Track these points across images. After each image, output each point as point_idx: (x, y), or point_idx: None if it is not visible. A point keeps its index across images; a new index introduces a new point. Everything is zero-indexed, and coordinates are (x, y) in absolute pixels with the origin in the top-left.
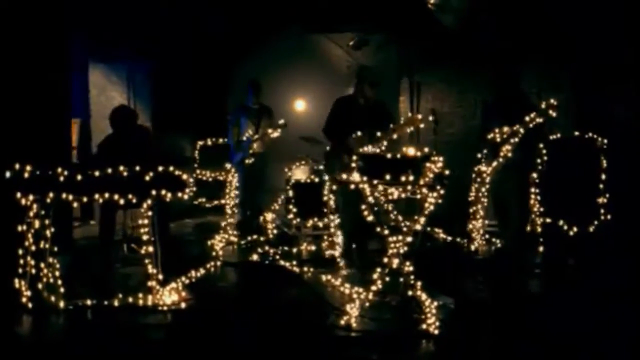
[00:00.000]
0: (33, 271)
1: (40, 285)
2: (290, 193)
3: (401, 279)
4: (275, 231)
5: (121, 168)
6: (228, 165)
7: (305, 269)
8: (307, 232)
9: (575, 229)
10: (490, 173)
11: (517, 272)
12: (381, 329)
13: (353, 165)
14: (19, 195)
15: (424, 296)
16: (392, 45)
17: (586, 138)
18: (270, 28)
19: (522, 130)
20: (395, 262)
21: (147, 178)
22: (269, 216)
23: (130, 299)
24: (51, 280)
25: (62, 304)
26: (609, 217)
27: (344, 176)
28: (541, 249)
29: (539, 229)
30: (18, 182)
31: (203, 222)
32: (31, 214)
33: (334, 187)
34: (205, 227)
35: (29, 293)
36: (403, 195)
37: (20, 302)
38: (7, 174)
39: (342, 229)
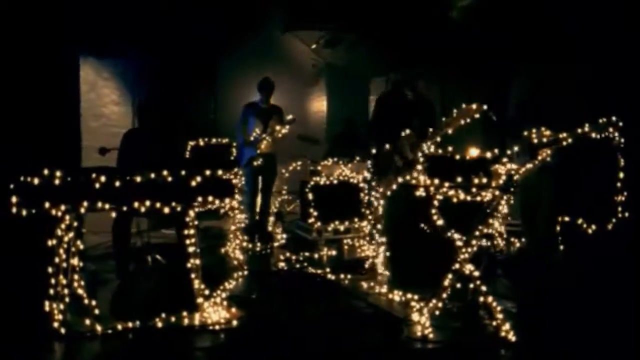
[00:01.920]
0: (65, 291)
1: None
2: (310, 196)
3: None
4: (284, 235)
5: (165, 172)
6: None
7: (342, 276)
8: (327, 236)
9: (593, 227)
10: (523, 174)
11: (545, 273)
12: (459, 339)
13: (419, 167)
14: (47, 205)
15: (494, 302)
16: (364, 45)
17: (603, 137)
18: (241, 26)
19: (569, 140)
20: (468, 267)
21: (194, 183)
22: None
23: (174, 319)
24: (85, 300)
25: (98, 328)
26: (627, 214)
27: (413, 179)
28: (561, 247)
29: (558, 228)
30: (47, 190)
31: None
32: (63, 226)
33: (387, 192)
34: (207, 233)
35: (61, 317)
36: (468, 198)
37: (51, 327)
38: (36, 181)
39: (386, 234)
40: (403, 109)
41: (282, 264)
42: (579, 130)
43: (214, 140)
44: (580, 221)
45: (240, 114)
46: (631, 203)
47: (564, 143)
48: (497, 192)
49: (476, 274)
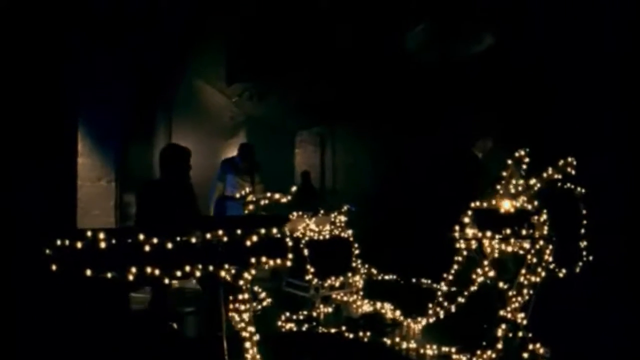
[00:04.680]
0: None
1: None
2: (306, 252)
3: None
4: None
5: (220, 232)
6: None
7: (361, 334)
8: (323, 293)
9: (564, 270)
10: None
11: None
12: None
13: (466, 220)
14: (89, 272)
15: (542, 349)
16: (288, 99)
17: (565, 187)
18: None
19: (537, 185)
20: (520, 316)
21: (249, 243)
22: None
23: None
24: None
25: None
26: (590, 258)
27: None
28: None
29: None
30: (90, 254)
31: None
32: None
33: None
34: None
35: None
36: (510, 249)
37: None
38: (79, 245)
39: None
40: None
41: (288, 325)
42: (545, 174)
43: None
44: (552, 265)
45: (219, 169)
46: None
47: (535, 189)
48: (541, 242)
49: (525, 322)
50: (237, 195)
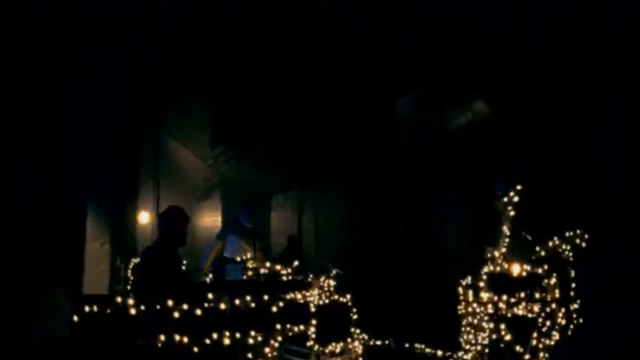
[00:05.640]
0: None
1: None
2: None
3: None
4: None
5: (248, 298)
6: None
7: None
8: (325, 359)
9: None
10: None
11: None
12: None
13: (481, 284)
14: (119, 339)
15: None
16: (265, 163)
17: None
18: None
19: (542, 253)
20: None
21: (275, 309)
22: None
23: None
24: None
25: None
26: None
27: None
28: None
29: None
30: (119, 321)
31: None
32: None
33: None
34: None
35: None
36: (522, 313)
37: None
38: (109, 311)
39: None
40: None
41: None
42: (550, 243)
43: None
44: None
45: (220, 230)
46: None
47: (541, 254)
48: (554, 305)
49: None
50: (238, 259)
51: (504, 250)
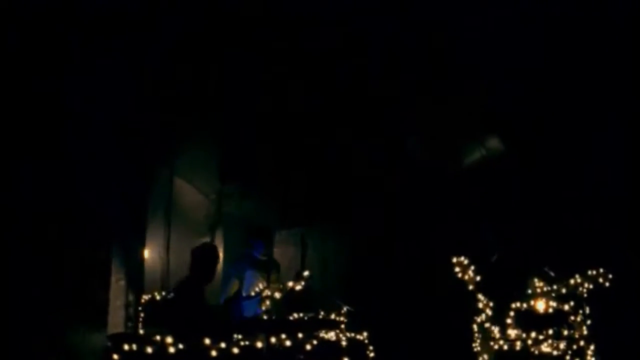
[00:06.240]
0: None
1: None
2: None
3: None
4: None
5: (283, 336)
6: None
7: None
8: None
9: None
10: None
11: None
12: None
13: (509, 321)
14: None
15: None
16: (269, 199)
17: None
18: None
19: (563, 291)
20: None
21: (309, 347)
22: None
23: None
24: None
25: None
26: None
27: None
28: None
29: None
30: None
31: None
32: None
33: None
34: None
35: None
36: (549, 350)
37: None
38: (149, 350)
39: None
40: None
41: None
42: (572, 281)
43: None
44: None
45: (233, 266)
46: None
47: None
48: (582, 343)
49: None
50: (253, 294)
51: None
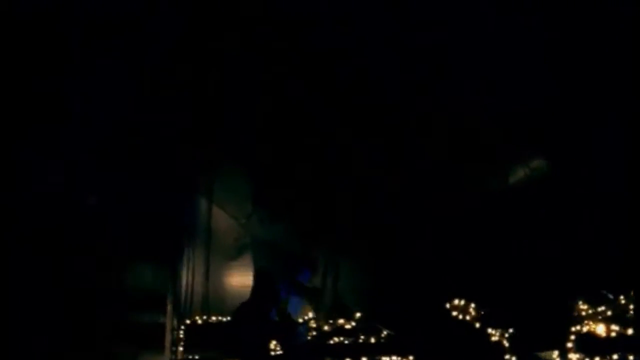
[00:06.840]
0: None
1: None
2: None
3: None
4: None
5: None
6: None
7: None
8: None
9: None
10: None
11: None
12: None
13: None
14: None
15: None
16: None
17: None
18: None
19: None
20: None
21: None
22: None
23: None
24: None
25: None
26: None
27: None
28: None
29: None
30: None
31: None
32: None
33: None
34: None
35: None
36: None
37: None
38: None
39: None
40: None
41: None
42: (622, 302)
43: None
44: None
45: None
46: None
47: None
48: None
49: None
50: (300, 320)
51: None
